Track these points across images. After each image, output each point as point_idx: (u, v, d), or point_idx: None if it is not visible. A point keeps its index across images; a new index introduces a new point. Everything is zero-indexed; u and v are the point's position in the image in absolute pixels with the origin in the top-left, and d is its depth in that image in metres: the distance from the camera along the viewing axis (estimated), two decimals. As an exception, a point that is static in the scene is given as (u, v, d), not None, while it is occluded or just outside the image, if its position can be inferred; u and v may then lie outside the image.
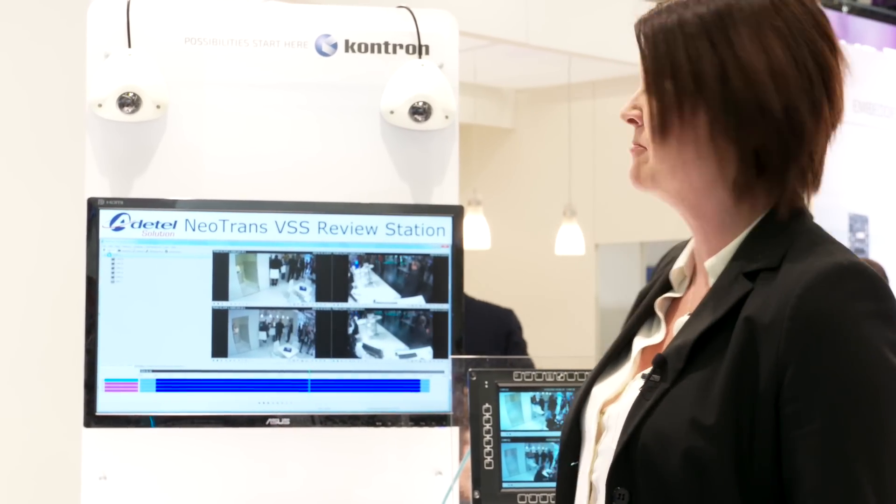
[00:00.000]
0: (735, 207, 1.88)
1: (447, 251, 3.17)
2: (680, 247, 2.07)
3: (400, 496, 3.29)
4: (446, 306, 3.16)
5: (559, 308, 11.85)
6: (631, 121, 2.02)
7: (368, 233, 3.15)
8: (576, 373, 2.99)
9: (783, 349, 1.71)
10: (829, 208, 7.88)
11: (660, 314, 1.99)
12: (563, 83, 11.72)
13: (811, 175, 1.85)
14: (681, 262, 2.01)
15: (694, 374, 1.78)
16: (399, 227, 3.16)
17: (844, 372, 1.69)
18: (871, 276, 1.73)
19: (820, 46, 1.83)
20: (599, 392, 1.98)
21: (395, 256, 3.15)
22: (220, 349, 3.10)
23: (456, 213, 3.20)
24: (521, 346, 7.87)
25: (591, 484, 1.91)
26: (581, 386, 2.03)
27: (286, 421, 3.12)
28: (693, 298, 1.93)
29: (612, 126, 12.14)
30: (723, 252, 1.88)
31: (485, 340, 6.69)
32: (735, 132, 1.83)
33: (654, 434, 1.77)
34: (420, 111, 3.29)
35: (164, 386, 3.08)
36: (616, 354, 2.03)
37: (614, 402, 1.92)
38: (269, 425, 3.12)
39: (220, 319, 3.10)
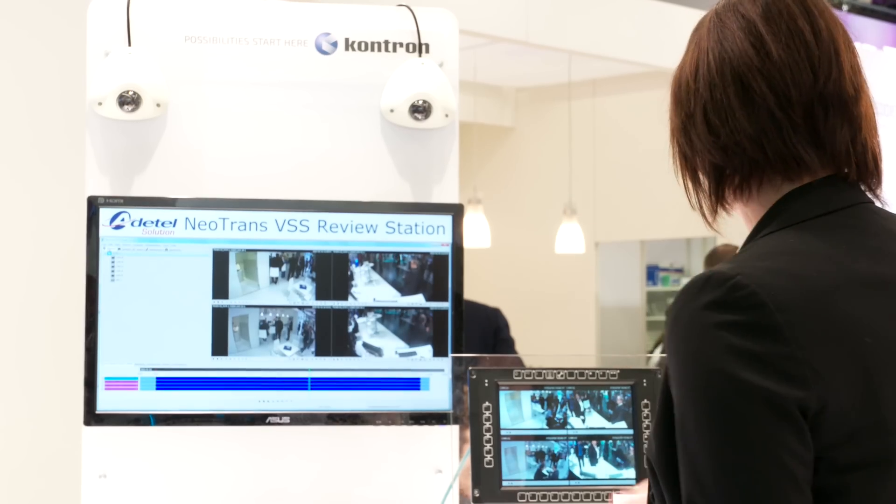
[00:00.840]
0: (747, 222, 1.87)
1: (447, 249, 3.17)
2: None
3: (400, 494, 3.29)
4: (446, 305, 3.16)
5: (559, 306, 11.86)
6: None
7: (368, 231, 3.15)
8: (576, 371, 2.99)
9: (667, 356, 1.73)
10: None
11: None
12: (564, 81, 11.72)
13: (791, 162, 1.79)
14: None
15: None
16: (399, 225, 3.16)
17: (685, 382, 1.66)
18: (733, 285, 1.66)
19: (733, 37, 1.80)
20: None
21: (395, 255, 3.15)
22: (220, 347, 3.10)
23: (456, 211, 3.20)
24: (508, 343, 7.92)
25: None
26: None
27: (286, 419, 3.12)
28: None
29: (612, 124, 12.21)
30: None
31: (474, 339, 6.73)
32: (681, 158, 1.90)
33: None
34: (420, 109, 3.29)
35: (164, 384, 3.08)
36: None
37: None
38: (269, 423, 3.12)
39: (220, 318, 3.10)
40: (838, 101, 1.78)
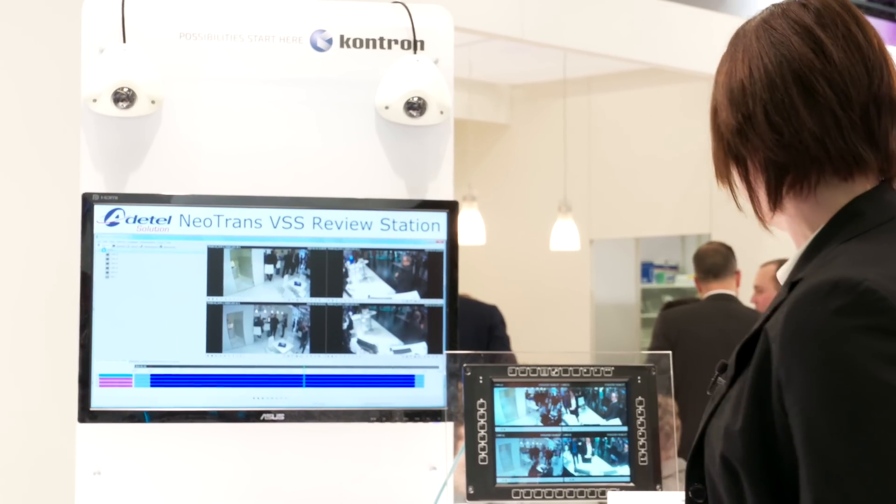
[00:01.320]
0: (809, 214, 1.94)
1: (442, 246, 3.18)
2: None
3: (394, 491, 3.30)
4: (441, 302, 3.16)
5: (554, 303, 11.87)
6: None
7: (363, 228, 3.15)
8: (570, 368, 2.99)
9: (778, 360, 1.77)
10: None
11: None
12: (559, 78, 11.73)
13: (850, 160, 1.88)
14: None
15: (739, 381, 1.86)
16: (394, 222, 3.16)
17: (823, 387, 1.71)
18: (864, 290, 1.72)
19: (789, 43, 1.91)
20: None
21: (390, 252, 3.15)
22: (214, 344, 3.10)
23: (451, 208, 3.20)
24: (503, 341, 7.93)
25: None
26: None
27: (280, 416, 3.12)
28: None
29: (607, 121, 12.22)
30: (787, 264, 1.96)
31: (468, 336, 6.75)
32: (734, 158, 1.96)
33: (710, 435, 1.89)
34: (415, 106, 3.29)
35: (158, 381, 3.08)
36: None
37: None
38: (264, 420, 3.12)
39: (214, 315, 3.10)
40: (889, 103, 1.90)
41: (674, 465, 3.54)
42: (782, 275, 1.96)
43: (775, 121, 1.88)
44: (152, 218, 3.09)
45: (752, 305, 7.78)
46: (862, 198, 1.90)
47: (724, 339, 6.76)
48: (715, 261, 7.20)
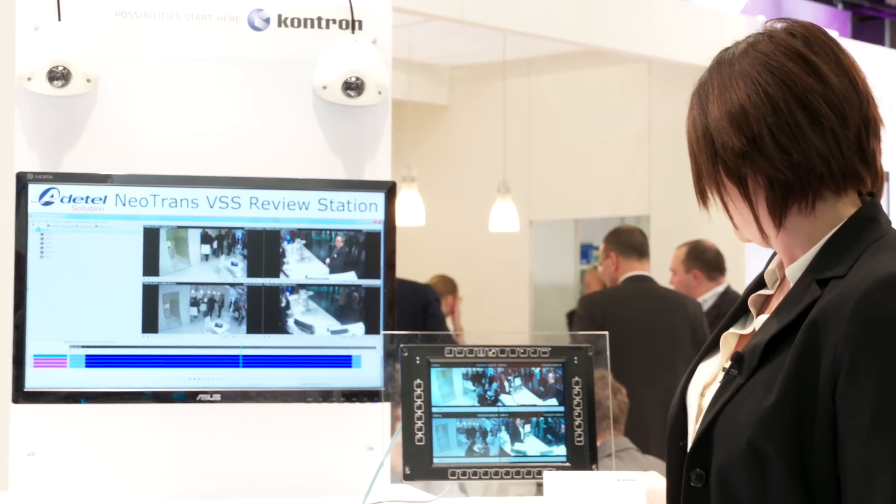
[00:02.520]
0: (804, 226, 2.06)
1: (379, 227, 3.17)
2: None
3: (331, 471, 3.29)
4: (378, 282, 3.16)
5: (493, 284, 11.89)
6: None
7: (300, 208, 3.14)
8: (507, 349, 3.00)
9: (840, 348, 1.88)
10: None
11: (752, 310, 2.20)
12: (499, 60, 11.73)
13: (848, 176, 2.02)
14: (773, 263, 2.20)
15: (764, 372, 1.98)
16: (331, 202, 3.15)
17: (894, 371, 1.85)
18: None
19: (788, 69, 2.02)
20: (701, 375, 2.20)
21: (327, 232, 3.15)
22: (150, 325, 3.08)
23: (389, 188, 3.19)
24: (438, 319, 7.96)
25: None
26: (686, 371, 2.26)
27: (217, 397, 3.11)
28: (779, 298, 2.13)
29: (546, 103, 12.22)
30: (801, 260, 2.07)
31: (404, 316, 6.76)
32: (736, 179, 2.05)
33: (727, 424, 1.98)
34: (353, 86, 3.28)
35: (93, 362, 3.06)
36: (715, 342, 2.23)
37: (710, 385, 2.14)
38: (200, 401, 3.11)
39: (150, 295, 3.08)
40: (874, 124, 2.06)
41: (611, 445, 3.56)
42: (794, 272, 2.07)
43: (783, 142, 1.99)
44: (87, 197, 3.07)
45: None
46: (871, 206, 2.06)
47: (647, 320, 6.81)
48: (639, 240, 7.22)
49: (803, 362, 1.92)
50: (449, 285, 10.35)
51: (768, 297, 2.21)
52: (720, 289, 7.83)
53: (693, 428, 2.15)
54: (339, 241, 3.15)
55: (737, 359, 2.05)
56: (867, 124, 2.04)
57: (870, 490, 1.86)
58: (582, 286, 13.32)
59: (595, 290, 8.74)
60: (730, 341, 2.19)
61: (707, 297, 7.69)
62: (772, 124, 2.00)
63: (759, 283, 2.24)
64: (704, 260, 7.88)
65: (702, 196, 2.13)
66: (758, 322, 2.12)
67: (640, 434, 5.31)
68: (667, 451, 2.21)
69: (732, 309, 2.25)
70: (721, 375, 2.10)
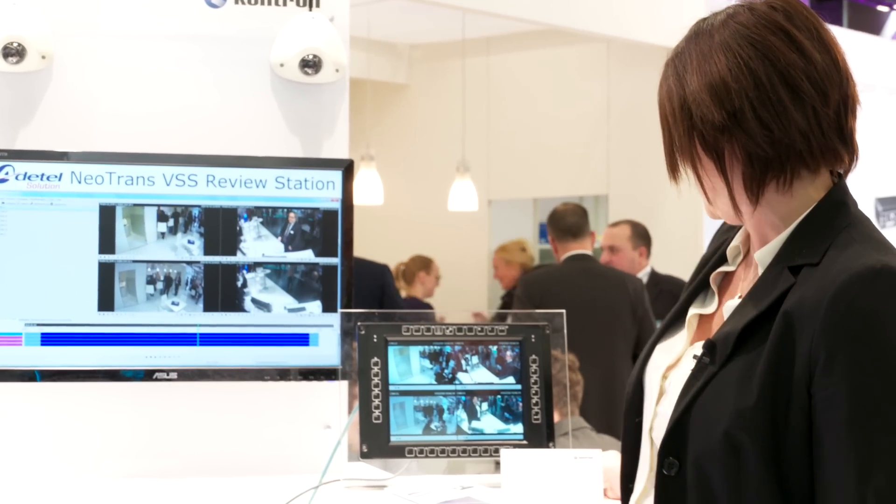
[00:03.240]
0: (780, 204, 2.04)
1: (337, 205, 3.17)
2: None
3: (289, 450, 3.29)
4: (336, 260, 3.16)
5: (452, 263, 11.88)
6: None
7: (257, 186, 3.13)
8: (464, 327, 3.00)
9: (816, 342, 1.88)
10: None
11: (714, 287, 2.19)
12: (458, 39, 11.71)
13: (827, 154, 2.00)
14: (736, 240, 2.18)
15: (738, 361, 1.96)
16: (288, 180, 3.14)
17: (874, 367, 1.86)
18: None
19: (770, 43, 1.99)
20: (660, 355, 2.18)
21: (285, 210, 3.14)
22: (106, 303, 3.07)
23: (346, 166, 3.19)
24: (395, 298, 7.97)
25: (652, 440, 2.12)
26: (645, 348, 2.23)
27: (174, 375, 3.10)
28: (742, 276, 2.13)
29: (505, 82, 12.20)
30: (771, 245, 2.05)
31: (360, 296, 6.76)
32: (713, 153, 2.02)
33: (701, 413, 1.97)
34: (310, 64, 3.27)
35: (49, 340, 3.04)
36: (675, 320, 2.22)
37: (675, 367, 2.12)
38: (157, 379, 3.10)
39: (106, 273, 3.07)
40: (852, 102, 2.03)
41: (568, 423, 3.56)
42: (763, 257, 2.05)
43: (764, 117, 1.97)
44: (43, 175, 3.05)
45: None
46: (840, 189, 2.04)
47: (586, 299, 6.82)
48: (574, 221, 7.22)
49: (779, 354, 1.92)
50: (419, 263, 10.39)
51: (729, 274, 2.20)
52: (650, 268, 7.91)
53: (652, 408, 2.14)
54: (297, 219, 3.14)
55: (709, 347, 2.02)
56: (846, 102, 2.02)
57: (844, 484, 1.87)
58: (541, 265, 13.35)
59: (535, 270, 8.76)
60: (692, 322, 2.18)
61: (642, 275, 7.74)
62: (753, 99, 1.97)
63: (720, 258, 2.23)
64: (649, 238, 7.93)
65: (673, 170, 2.09)
66: (728, 307, 2.10)
67: (582, 413, 5.32)
68: (623, 426, 2.21)
69: (692, 286, 2.24)
70: (687, 358, 2.10)
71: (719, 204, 2.08)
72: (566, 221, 7.23)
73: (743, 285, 2.12)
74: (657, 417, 2.11)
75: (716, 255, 2.24)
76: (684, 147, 2.06)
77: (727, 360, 1.98)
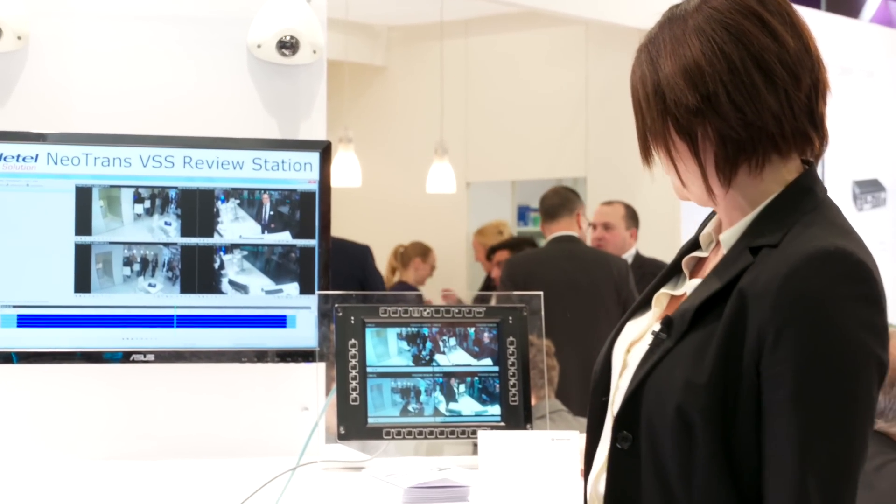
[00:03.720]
0: (750, 187, 2.06)
1: (314, 187, 3.16)
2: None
3: (266, 432, 3.29)
4: (313, 242, 3.15)
5: (430, 245, 11.87)
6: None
7: (235, 168, 3.13)
8: (442, 309, 3.00)
9: (766, 321, 1.91)
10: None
11: (685, 271, 2.20)
12: (436, 21, 11.69)
13: (798, 138, 2.02)
14: (710, 227, 2.20)
15: (693, 337, 1.99)
16: (266, 162, 3.14)
17: (819, 348, 1.89)
18: (854, 261, 1.91)
19: (744, 27, 2.01)
20: (628, 332, 2.20)
21: (262, 192, 3.13)
22: (83, 284, 3.06)
23: (323, 148, 3.18)
24: (376, 279, 7.97)
25: (613, 415, 2.12)
26: (616, 326, 2.25)
27: (151, 357, 3.09)
28: (713, 261, 2.14)
29: (484, 65, 12.18)
30: (736, 227, 2.07)
31: (341, 276, 6.76)
32: (686, 136, 2.03)
33: (654, 387, 2.00)
34: (287, 45, 3.26)
35: (25, 322, 3.03)
36: (646, 301, 2.23)
37: (638, 342, 2.14)
38: (134, 361, 3.09)
39: (83, 254, 3.06)
40: (823, 87, 2.04)
41: (545, 406, 3.57)
42: (727, 239, 2.07)
43: (738, 100, 1.98)
44: (18, 156, 3.04)
45: (592, 243, 7.82)
46: (809, 175, 2.06)
47: (569, 280, 6.81)
48: (552, 202, 7.22)
49: (732, 332, 1.94)
50: (418, 249, 10.40)
51: (702, 260, 2.22)
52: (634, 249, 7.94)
53: (615, 383, 2.16)
54: (274, 200, 3.13)
55: (666, 322, 2.05)
56: (817, 87, 2.03)
57: (787, 463, 1.90)
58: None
59: (520, 252, 8.76)
60: (662, 301, 2.19)
61: (626, 256, 7.76)
62: (727, 82, 1.99)
63: (694, 244, 2.25)
64: (638, 221, 7.96)
65: (646, 154, 2.11)
66: (690, 285, 2.13)
67: (562, 395, 5.33)
68: (589, 405, 2.22)
69: (666, 268, 2.26)
70: (649, 334, 2.11)
71: (692, 187, 2.10)
72: (545, 203, 7.25)
73: (710, 268, 2.13)
74: (618, 391, 2.13)
75: (689, 243, 2.26)
76: (658, 131, 2.07)
77: (683, 336, 2.00)
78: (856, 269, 1.92)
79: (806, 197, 2.04)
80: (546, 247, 7.18)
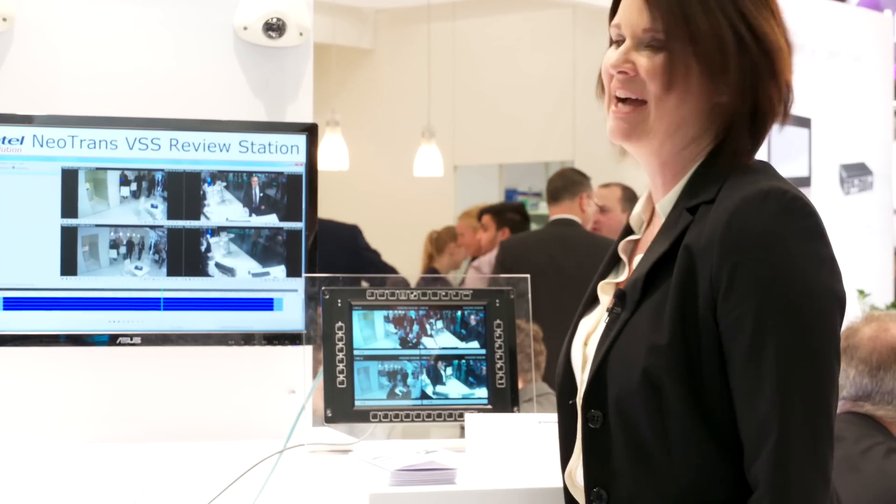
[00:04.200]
0: (685, 151, 2.09)
1: (301, 169, 3.15)
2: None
3: (253, 415, 3.29)
4: (300, 225, 3.15)
5: (418, 229, 11.87)
6: (622, 73, 2.11)
7: (221, 150, 3.12)
8: (429, 291, 3.00)
9: (715, 269, 1.92)
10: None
11: (623, 257, 2.20)
12: (423, 4, 11.68)
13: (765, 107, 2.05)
14: (638, 208, 2.22)
15: (648, 303, 2.01)
16: (252, 144, 3.13)
17: (770, 284, 1.90)
18: (792, 197, 1.94)
19: (742, 3, 2.05)
20: (583, 329, 2.20)
21: (249, 174, 3.13)
22: (69, 267, 3.05)
23: (310, 130, 3.18)
24: (371, 256, 7.94)
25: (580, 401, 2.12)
26: (570, 328, 2.25)
27: (138, 340, 3.09)
28: (649, 238, 2.15)
29: (471, 47, 12.19)
30: (671, 193, 2.10)
31: (332, 257, 6.74)
32: (714, 89, 2.05)
33: (618, 359, 2.01)
34: (274, 27, 3.26)
35: (11, 304, 3.03)
36: (593, 297, 2.24)
37: (594, 333, 2.15)
38: (121, 344, 3.09)
39: (69, 237, 3.05)
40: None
41: (532, 389, 3.57)
42: (664, 207, 2.10)
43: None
44: (4, 138, 3.03)
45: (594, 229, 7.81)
46: (733, 140, 2.07)
47: (553, 266, 6.80)
48: (555, 185, 7.21)
49: (684, 288, 1.96)
50: (450, 233, 10.39)
51: (637, 242, 2.22)
52: None
53: (580, 378, 2.16)
54: (261, 183, 3.13)
55: (619, 296, 2.07)
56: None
57: (756, 403, 1.91)
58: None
59: (514, 235, 8.77)
60: (608, 290, 2.19)
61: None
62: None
63: (626, 231, 2.26)
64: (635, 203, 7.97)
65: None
66: (634, 263, 2.14)
67: (550, 380, 5.33)
68: (558, 409, 2.22)
69: (605, 260, 2.27)
70: (604, 319, 2.12)
71: (671, 98, 2.07)
72: (550, 185, 7.24)
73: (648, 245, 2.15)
74: (584, 385, 2.11)
75: (622, 230, 2.27)
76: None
77: (637, 305, 2.02)
78: (794, 203, 1.94)
79: (735, 157, 2.06)
80: (541, 230, 7.18)
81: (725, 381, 1.95)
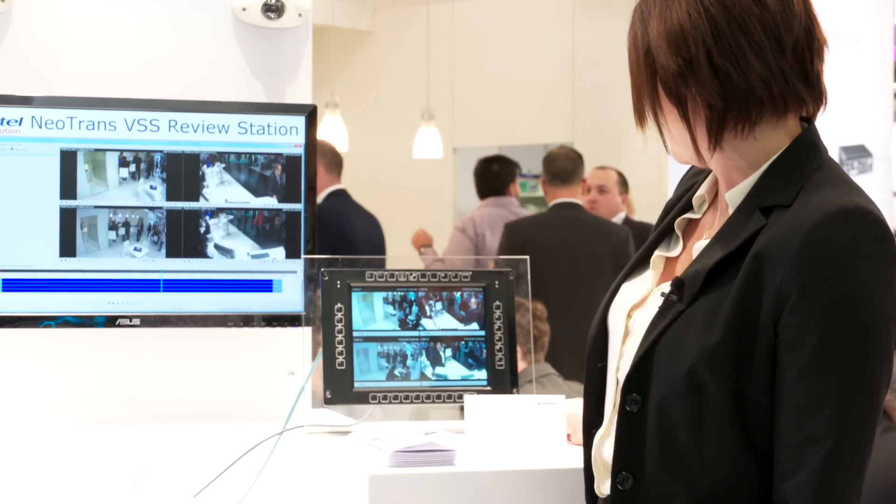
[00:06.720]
0: (746, 148, 2.05)
1: (300, 150, 3.15)
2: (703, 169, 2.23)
3: (252, 396, 3.29)
4: (299, 206, 3.15)
5: (417, 211, 11.88)
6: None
7: (220, 131, 3.11)
8: (428, 273, 3.00)
9: (787, 281, 1.91)
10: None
11: (678, 232, 2.19)
12: (422, -15, 11.66)
13: (790, 99, 2.02)
14: (702, 188, 2.19)
15: (706, 299, 1.99)
16: (251, 125, 3.13)
17: (841, 306, 1.89)
18: (873, 219, 1.93)
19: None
20: (626, 296, 2.19)
21: (248, 156, 3.12)
22: (68, 249, 3.05)
23: (309, 112, 3.17)
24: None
25: (617, 381, 2.11)
26: (609, 290, 2.24)
27: (137, 321, 3.09)
28: (709, 222, 2.14)
29: (470, 30, 12.17)
30: (742, 185, 2.06)
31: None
32: (675, 99, 2.03)
33: (666, 350, 2.00)
34: (273, 8, 3.25)
35: (10, 286, 3.02)
36: (640, 262, 2.22)
37: (640, 307, 2.13)
38: (120, 325, 3.08)
39: (68, 218, 3.05)
40: (818, 45, 2.06)
41: (532, 371, 3.57)
42: (734, 198, 2.07)
43: (721, 64, 1.98)
44: (3, 119, 3.02)
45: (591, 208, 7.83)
46: (810, 132, 2.07)
47: (567, 247, 6.82)
48: (564, 166, 7.20)
49: (748, 293, 1.94)
50: None
51: (693, 221, 2.21)
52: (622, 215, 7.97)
53: (618, 349, 2.15)
54: (260, 164, 3.12)
55: (677, 284, 2.04)
56: (811, 46, 2.05)
57: (804, 421, 1.90)
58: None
59: (521, 218, 8.78)
60: (658, 264, 2.18)
61: (616, 220, 7.79)
62: (711, 45, 1.99)
63: (685, 205, 2.24)
64: (628, 187, 8.00)
65: (639, 116, 2.10)
66: (696, 248, 2.11)
67: (556, 361, 5.34)
68: (585, 370, 2.22)
69: (658, 230, 2.25)
70: (653, 298, 2.11)
71: (682, 150, 2.10)
72: (556, 165, 7.22)
73: (710, 230, 2.13)
74: (622, 358, 2.12)
75: (681, 202, 2.25)
76: (648, 94, 2.07)
77: (695, 299, 2.00)
78: (875, 226, 1.93)
79: (810, 154, 2.05)
80: (548, 212, 7.17)
81: (772, 394, 1.95)
